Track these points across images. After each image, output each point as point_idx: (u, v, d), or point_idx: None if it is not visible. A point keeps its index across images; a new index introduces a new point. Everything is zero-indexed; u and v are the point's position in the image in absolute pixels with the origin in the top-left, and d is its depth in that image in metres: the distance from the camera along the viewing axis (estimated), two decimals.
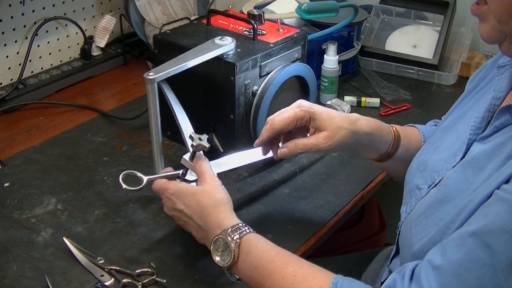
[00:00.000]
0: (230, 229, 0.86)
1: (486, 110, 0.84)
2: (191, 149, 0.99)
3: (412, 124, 1.12)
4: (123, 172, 1.00)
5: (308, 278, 0.80)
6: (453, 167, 0.85)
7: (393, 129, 1.05)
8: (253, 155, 1.10)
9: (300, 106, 0.97)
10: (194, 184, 1.00)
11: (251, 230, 0.87)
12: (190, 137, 0.98)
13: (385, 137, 1.03)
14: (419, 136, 1.09)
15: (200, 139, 0.96)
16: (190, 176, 1.01)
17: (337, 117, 0.98)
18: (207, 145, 0.96)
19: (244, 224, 0.88)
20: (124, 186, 0.97)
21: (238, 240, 0.85)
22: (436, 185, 0.87)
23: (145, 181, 0.99)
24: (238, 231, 0.86)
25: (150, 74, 1.02)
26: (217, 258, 0.87)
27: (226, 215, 0.90)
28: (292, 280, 0.80)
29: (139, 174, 1.00)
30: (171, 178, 1.01)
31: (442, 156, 0.90)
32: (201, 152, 0.99)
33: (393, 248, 1.00)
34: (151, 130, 1.05)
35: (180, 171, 1.02)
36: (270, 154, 1.04)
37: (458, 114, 0.97)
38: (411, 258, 0.82)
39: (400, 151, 1.05)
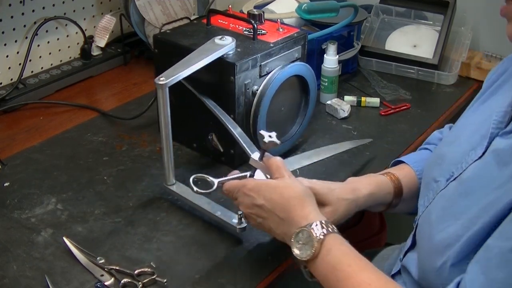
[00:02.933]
0: (316, 224, 0.84)
1: (508, 104, 0.85)
2: (256, 147, 0.98)
3: (400, 159, 1.13)
4: (194, 176, 0.99)
5: None
6: (474, 161, 0.85)
7: (390, 176, 1.06)
8: (317, 155, 1.15)
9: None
10: None
11: (336, 230, 0.85)
12: (260, 135, 0.94)
13: (385, 190, 1.05)
14: (412, 170, 1.09)
15: (270, 136, 0.93)
16: (257, 177, 0.99)
17: (336, 189, 0.99)
18: (278, 141, 0.93)
19: (329, 222, 0.86)
20: (195, 188, 0.97)
21: (322, 236, 0.83)
22: (455, 178, 0.87)
23: (216, 184, 0.98)
24: (324, 228, 0.84)
25: (162, 79, 1.00)
26: (296, 251, 0.84)
27: (312, 208, 0.88)
28: None
29: (210, 178, 0.99)
30: (239, 179, 0.98)
31: (460, 149, 0.90)
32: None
33: (406, 242, 1.00)
34: (161, 134, 1.04)
35: (247, 173, 0.99)
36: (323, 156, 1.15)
37: (476, 108, 0.98)
38: (430, 251, 0.82)
39: (405, 193, 1.06)
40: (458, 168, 0.87)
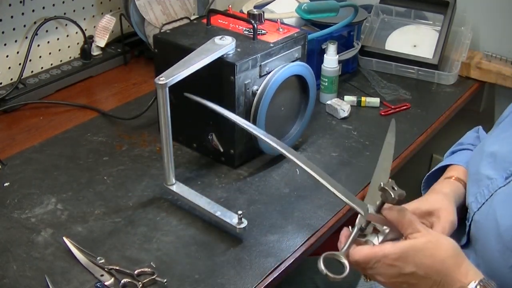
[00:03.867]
0: (478, 284, 0.79)
1: None
2: (377, 201, 0.84)
3: (454, 163, 1.11)
4: (323, 256, 0.84)
5: None
6: None
7: (459, 181, 1.05)
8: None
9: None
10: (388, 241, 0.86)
11: (495, 285, 0.80)
12: (383, 189, 0.81)
13: (463, 193, 1.04)
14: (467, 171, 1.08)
15: (394, 188, 0.80)
16: (372, 236, 0.87)
17: (429, 197, 1.01)
18: (404, 192, 0.81)
19: (489, 280, 0.80)
20: (325, 271, 0.81)
21: None
22: None
23: (348, 267, 0.83)
24: (487, 286, 0.79)
25: (162, 79, 1.00)
26: None
27: (468, 265, 0.82)
28: None
29: (343, 260, 0.84)
30: (357, 238, 0.86)
31: None
32: None
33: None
34: (161, 134, 1.04)
35: (359, 227, 0.86)
36: None
37: None
38: (502, 249, 0.84)
39: None
40: None
